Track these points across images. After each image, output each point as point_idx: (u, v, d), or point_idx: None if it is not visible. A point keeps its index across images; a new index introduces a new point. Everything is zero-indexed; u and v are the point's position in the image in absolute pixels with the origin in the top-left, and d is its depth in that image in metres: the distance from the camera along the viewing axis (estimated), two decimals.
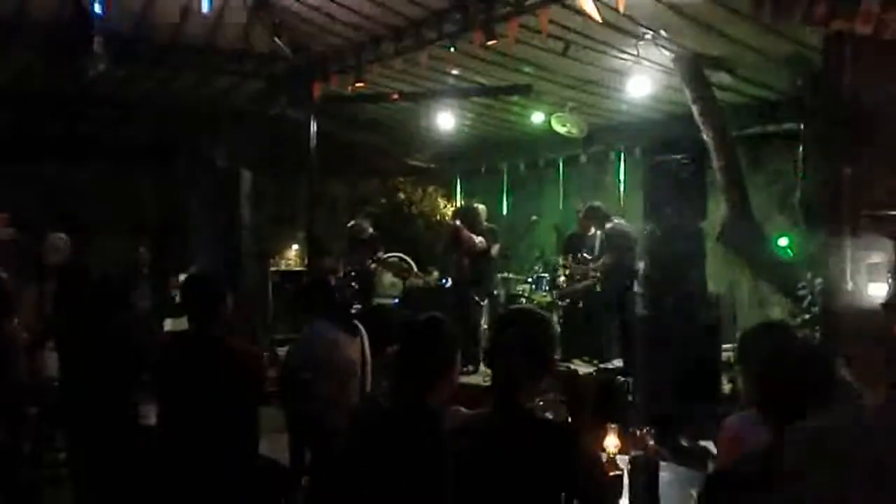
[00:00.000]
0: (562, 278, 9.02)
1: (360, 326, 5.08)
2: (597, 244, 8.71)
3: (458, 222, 8.88)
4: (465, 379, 7.59)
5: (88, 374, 4.51)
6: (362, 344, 4.97)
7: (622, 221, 8.61)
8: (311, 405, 4.69)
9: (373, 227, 10.31)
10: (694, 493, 3.26)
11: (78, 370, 4.64)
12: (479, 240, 8.68)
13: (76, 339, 4.74)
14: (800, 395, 2.36)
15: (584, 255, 8.77)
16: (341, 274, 9.45)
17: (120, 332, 4.68)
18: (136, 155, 10.56)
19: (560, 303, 8.83)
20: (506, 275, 9.79)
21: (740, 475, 2.34)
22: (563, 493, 2.66)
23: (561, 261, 9.09)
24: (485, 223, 9.03)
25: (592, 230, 8.84)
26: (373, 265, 10.02)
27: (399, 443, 2.87)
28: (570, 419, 3.37)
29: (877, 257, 5.86)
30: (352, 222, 10.38)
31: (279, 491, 4.30)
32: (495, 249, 8.90)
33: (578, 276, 8.77)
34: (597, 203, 8.98)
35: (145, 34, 8.74)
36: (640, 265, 7.64)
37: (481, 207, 9.23)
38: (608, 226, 8.52)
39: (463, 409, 2.89)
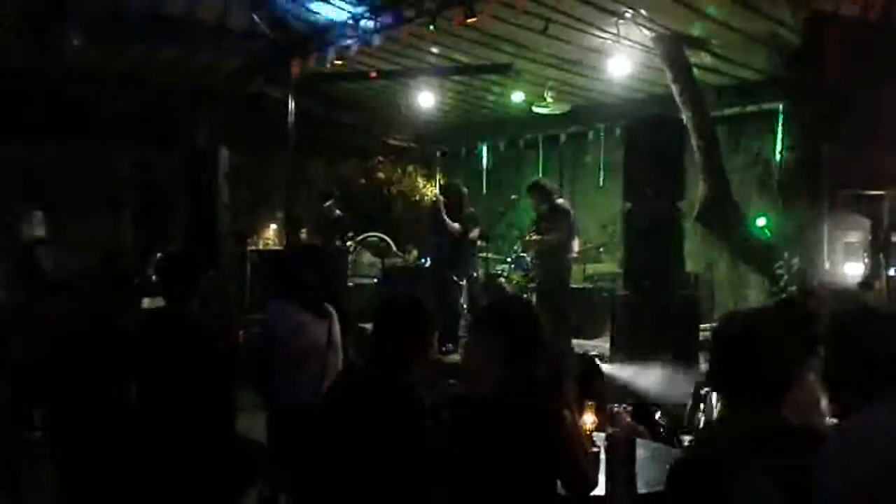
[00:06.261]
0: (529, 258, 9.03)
1: (331, 309, 4.90)
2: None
3: (443, 198, 8.81)
4: (445, 358, 7.61)
5: (69, 353, 4.45)
6: (331, 327, 4.80)
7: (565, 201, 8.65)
8: (275, 384, 4.60)
9: (341, 210, 10.25)
10: None
11: (59, 349, 4.58)
12: (456, 225, 8.62)
13: (59, 318, 4.68)
14: (750, 380, 2.23)
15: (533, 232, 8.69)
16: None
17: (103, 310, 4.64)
18: (114, 132, 10.43)
19: (533, 284, 8.81)
20: (485, 255, 9.77)
21: (706, 460, 2.30)
22: (542, 472, 2.66)
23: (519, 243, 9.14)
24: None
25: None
26: (345, 245, 9.98)
27: (377, 417, 2.86)
28: (549, 399, 3.37)
29: (853, 237, 5.90)
30: (327, 203, 10.30)
31: (255, 469, 4.28)
32: (475, 233, 8.83)
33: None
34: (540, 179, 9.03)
35: (122, 8, 8.59)
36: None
37: (464, 190, 9.19)
38: (558, 201, 8.49)
39: (453, 381, 2.90)
